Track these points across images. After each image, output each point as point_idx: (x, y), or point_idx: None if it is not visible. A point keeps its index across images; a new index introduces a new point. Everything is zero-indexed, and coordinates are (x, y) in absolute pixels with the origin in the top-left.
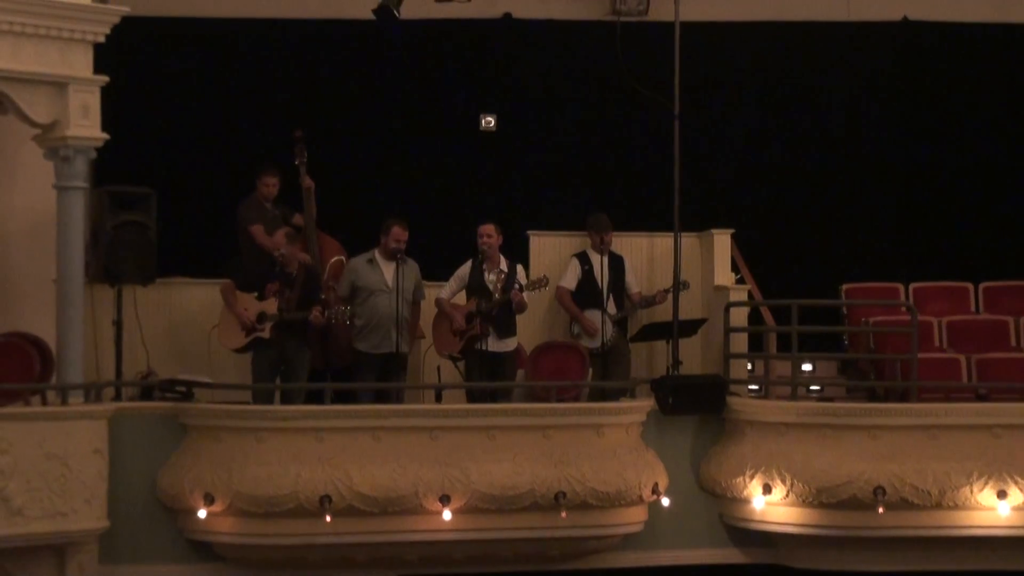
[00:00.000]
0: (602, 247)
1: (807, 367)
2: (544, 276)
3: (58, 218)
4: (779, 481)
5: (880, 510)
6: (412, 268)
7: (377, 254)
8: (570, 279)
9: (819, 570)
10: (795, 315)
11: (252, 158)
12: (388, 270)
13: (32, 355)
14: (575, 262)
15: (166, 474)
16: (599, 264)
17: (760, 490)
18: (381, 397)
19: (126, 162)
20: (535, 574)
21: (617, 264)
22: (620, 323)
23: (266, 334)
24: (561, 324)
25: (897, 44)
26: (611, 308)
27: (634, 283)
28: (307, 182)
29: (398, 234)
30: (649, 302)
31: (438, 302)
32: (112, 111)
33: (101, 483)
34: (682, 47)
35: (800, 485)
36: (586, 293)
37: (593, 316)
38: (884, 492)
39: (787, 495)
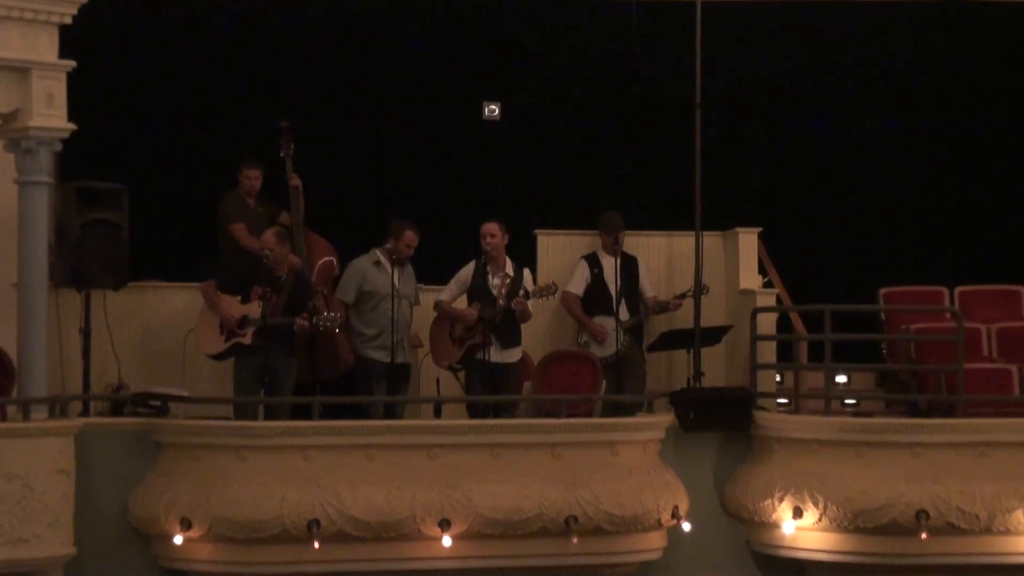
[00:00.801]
0: (615, 248)
1: (842, 379)
2: (552, 283)
3: (20, 216)
4: (811, 504)
5: (923, 536)
6: (411, 272)
7: (381, 256)
8: (577, 283)
9: None
10: (828, 322)
11: (233, 150)
12: (393, 274)
13: None
14: (583, 265)
15: (139, 496)
16: (611, 267)
17: (790, 514)
18: (390, 411)
19: (95, 155)
20: None
21: (630, 266)
22: (634, 330)
23: (247, 340)
24: (569, 332)
25: (942, 25)
26: (624, 314)
27: (649, 287)
28: (295, 181)
29: (411, 239)
30: (662, 308)
31: (438, 305)
32: (79, 99)
33: (67, 506)
34: (704, 29)
35: (834, 508)
36: (596, 298)
37: (604, 323)
38: (927, 516)
39: (820, 519)
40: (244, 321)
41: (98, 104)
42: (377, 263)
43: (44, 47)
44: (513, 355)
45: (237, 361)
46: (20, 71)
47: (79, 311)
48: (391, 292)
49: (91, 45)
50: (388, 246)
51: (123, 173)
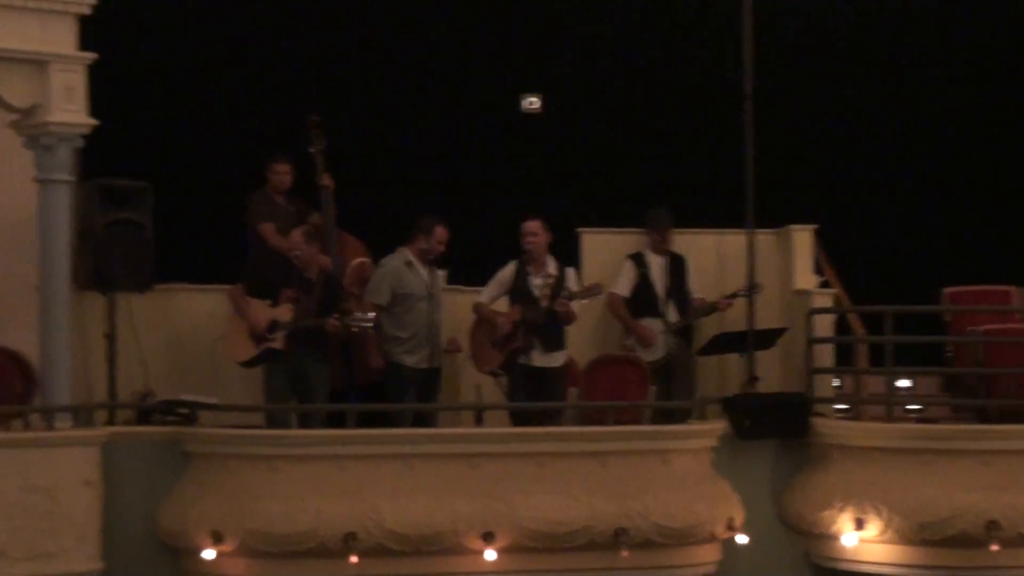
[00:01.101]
0: (662, 247)
1: (905, 383)
2: (597, 283)
3: (40, 217)
4: (874, 515)
5: (994, 548)
6: (437, 272)
7: (412, 256)
8: (623, 284)
9: None
10: (890, 323)
11: (262, 146)
12: (425, 275)
13: (12, 373)
14: (629, 265)
15: (167, 509)
16: (658, 266)
17: (851, 525)
18: (420, 419)
19: (117, 152)
20: None
21: (678, 266)
22: (683, 333)
23: (278, 344)
24: (615, 334)
25: (1000, 15)
26: (672, 316)
27: (696, 287)
28: (325, 180)
29: (443, 235)
30: (710, 309)
31: (477, 308)
32: (101, 93)
33: (93, 519)
34: (755, 11)
35: (898, 519)
36: (642, 299)
37: (651, 325)
38: (998, 527)
39: (883, 531)
40: (274, 325)
41: (120, 98)
42: (409, 264)
43: (63, 39)
44: (557, 359)
45: (268, 367)
46: (38, 64)
47: (103, 315)
48: (423, 294)
49: (112, 36)
50: (421, 245)
51: (147, 170)
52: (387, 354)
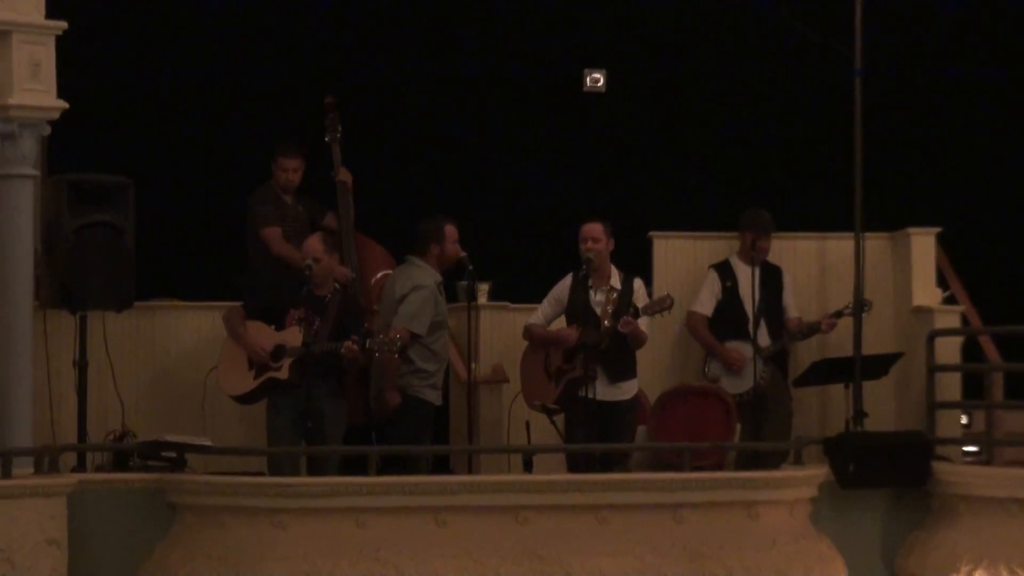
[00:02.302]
0: (755, 255)
1: None
2: (668, 295)
3: None
4: None
5: None
6: None
7: (433, 270)
8: (705, 301)
9: None
10: None
11: (265, 135)
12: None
13: None
14: (713, 277)
15: (149, 572)
16: (748, 279)
17: None
18: (442, 465)
19: (92, 141)
20: None
21: (773, 278)
22: (777, 359)
23: (283, 375)
24: (694, 361)
25: None
26: (763, 339)
27: (793, 305)
28: (343, 174)
29: (453, 234)
30: (811, 331)
31: (527, 331)
32: (71, 71)
33: None
34: None
35: None
36: (728, 318)
37: (737, 350)
38: None
39: None
40: (279, 351)
41: (95, 77)
42: (440, 285)
43: (28, 5)
44: (625, 391)
45: (271, 402)
46: None
47: (73, 338)
48: (447, 318)
49: (85, 2)
50: (435, 255)
51: (127, 164)
52: (406, 388)
